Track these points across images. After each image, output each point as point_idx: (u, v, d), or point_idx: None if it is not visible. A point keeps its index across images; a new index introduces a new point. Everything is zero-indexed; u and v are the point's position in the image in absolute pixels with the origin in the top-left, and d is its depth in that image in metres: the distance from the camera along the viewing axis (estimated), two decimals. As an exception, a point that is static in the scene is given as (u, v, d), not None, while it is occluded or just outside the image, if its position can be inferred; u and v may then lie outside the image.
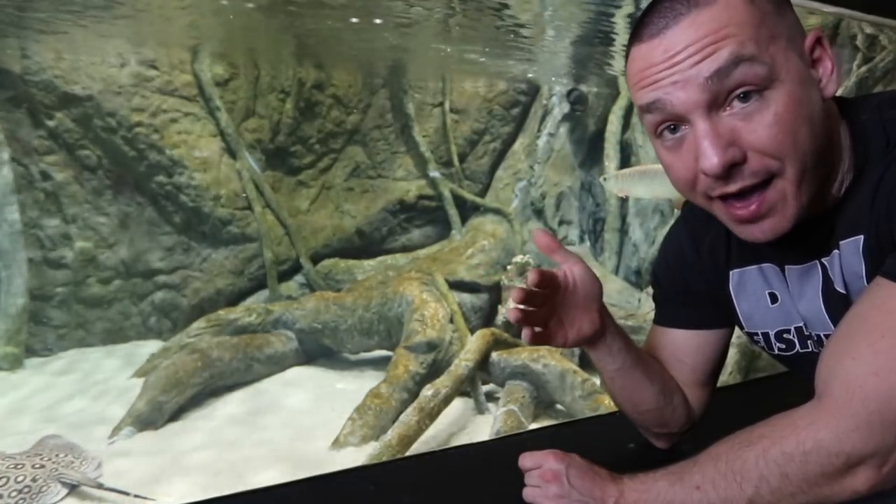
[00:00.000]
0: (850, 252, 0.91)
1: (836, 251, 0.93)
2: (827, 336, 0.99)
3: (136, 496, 2.94)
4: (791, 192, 0.86)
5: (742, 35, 0.83)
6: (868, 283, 0.89)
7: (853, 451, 0.79)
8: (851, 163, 0.92)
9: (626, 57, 0.94)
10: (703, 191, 0.90)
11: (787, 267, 1.02)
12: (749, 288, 1.08)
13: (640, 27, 0.90)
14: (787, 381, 1.16)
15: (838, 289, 0.95)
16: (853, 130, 0.93)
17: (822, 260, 0.97)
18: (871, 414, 0.79)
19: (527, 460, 1.06)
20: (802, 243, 0.96)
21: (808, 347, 1.05)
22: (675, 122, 0.88)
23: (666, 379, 1.19)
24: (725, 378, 3.49)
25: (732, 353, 3.68)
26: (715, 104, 0.84)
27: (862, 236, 0.90)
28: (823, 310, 0.98)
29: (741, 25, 0.83)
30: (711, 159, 0.84)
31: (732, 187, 0.87)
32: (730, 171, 0.85)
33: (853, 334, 0.85)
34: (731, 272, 1.10)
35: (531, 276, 0.98)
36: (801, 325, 1.03)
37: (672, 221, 1.20)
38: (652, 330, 1.26)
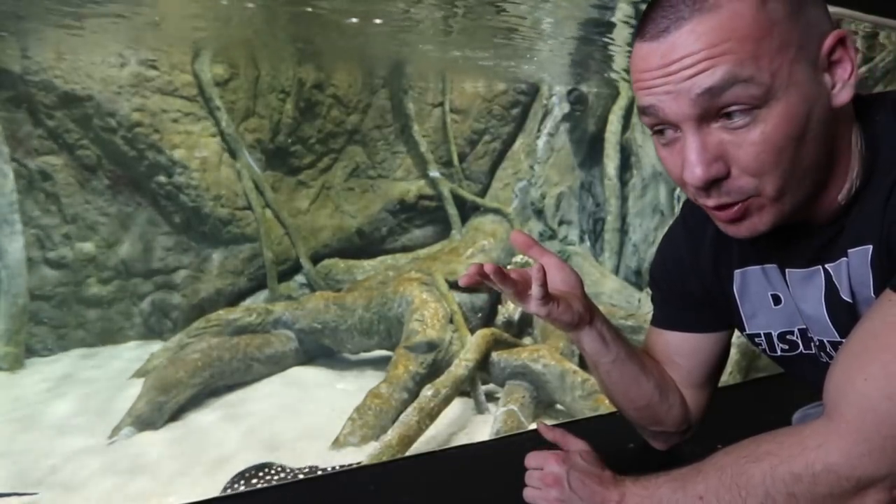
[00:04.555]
0: (858, 262, 0.89)
1: (843, 259, 0.91)
2: (830, 342, 0.98)
3: (15, 494, 2.85)
4: (768, 204, 0.86)
5: (742, 52, 0.80)
6: (875, 294, 0.87)
7: (864, 475, 0.78)
8: (861, 167, 0.90)
9: (632, 45, 0.92)
10: (691, 192, 0.91)
11: (787, 270, 1.00)
12: (752, 288, 1.07)
13: (644, 21, 0.88)
14: (787, 381, 1.16)
15: (844, 297, 0.93)
16: (865, 132, 0.90)
17: (827, 266, 0.94)
18: (886, 439, 0.78)
19: (530, 459, 1.06)
20: (805, 248, 0.94)
21: (811, 349, 1.03)
22: (667, 127, 0.88)
23: (662, 374, 1.18)
24: (725, 378, 3.49)
25: (732, 353, 3.67)
26: (706, 117, 0.83)
27: (871, 246, 0.88)
28: (826, 317, 0.96)
29: (743, 40, 0.80)
30: (695, 172, 0.84)
31: (711, 202, 0.87)
32: (710, 185, 0.85)
33: (864, 352, 0.83)
34: (734, 272, 1.08)
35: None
36: (804, 327, 1.02)
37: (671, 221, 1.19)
38: (649, 331, 1.26)
